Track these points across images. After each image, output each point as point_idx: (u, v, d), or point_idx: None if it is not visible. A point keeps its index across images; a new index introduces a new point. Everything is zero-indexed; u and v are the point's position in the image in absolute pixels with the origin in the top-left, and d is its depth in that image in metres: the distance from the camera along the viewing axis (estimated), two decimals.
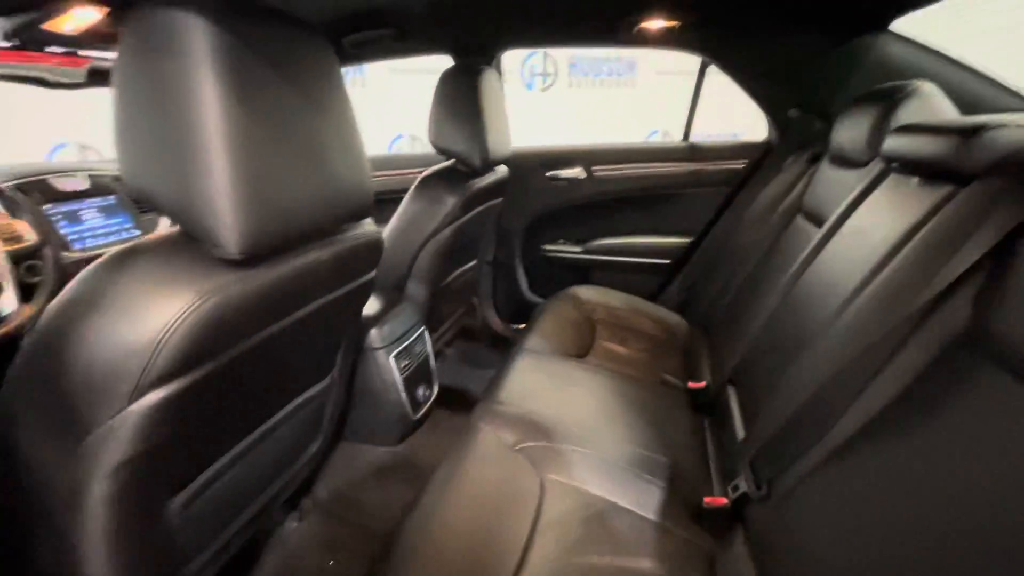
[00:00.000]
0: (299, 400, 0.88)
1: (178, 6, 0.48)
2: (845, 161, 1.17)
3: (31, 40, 1.03)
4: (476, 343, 2.02)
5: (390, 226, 1.33)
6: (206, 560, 0.78)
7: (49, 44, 1.07)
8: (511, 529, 0.80)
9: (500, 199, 1.56)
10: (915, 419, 0.57)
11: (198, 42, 0.48)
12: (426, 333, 1.36)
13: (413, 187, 1.31)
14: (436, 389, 1.40)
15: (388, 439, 1.29)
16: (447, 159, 1.36)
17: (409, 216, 1.29)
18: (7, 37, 1.02)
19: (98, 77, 1.25)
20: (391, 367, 1.20)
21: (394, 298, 1.30)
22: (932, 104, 1.03)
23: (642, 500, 0.89)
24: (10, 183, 1.11)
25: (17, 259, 1.03)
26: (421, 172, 1.38)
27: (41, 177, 1.21)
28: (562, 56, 4.67)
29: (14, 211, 1.09)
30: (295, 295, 0.66)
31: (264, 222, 0.54)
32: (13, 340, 0.92)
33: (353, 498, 1.23)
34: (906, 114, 0.99)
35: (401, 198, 1.36)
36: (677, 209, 1.81)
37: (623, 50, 4.80)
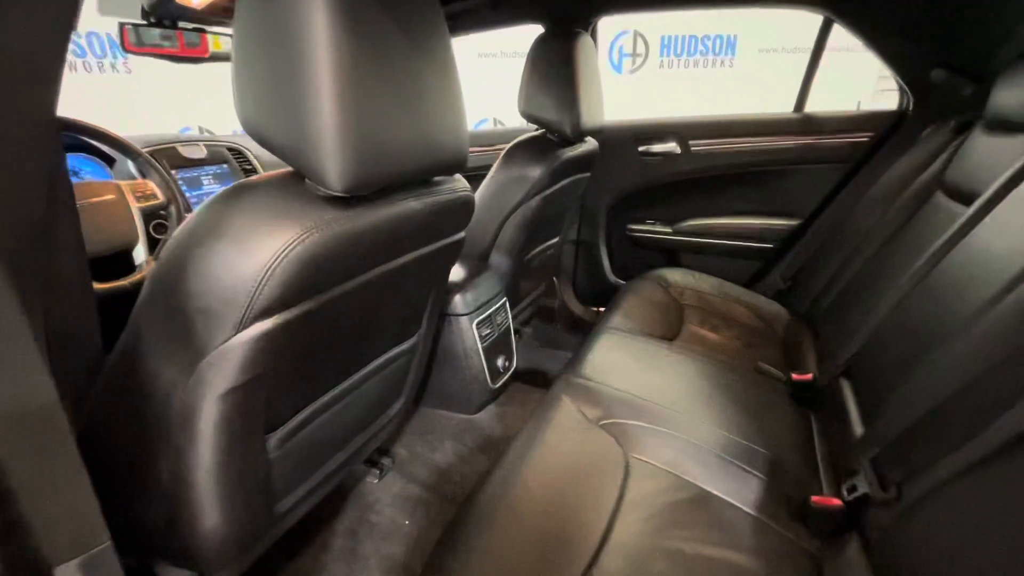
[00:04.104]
0: (386, 357, 0.89)
1: None
2: (1008, 127, 0.99)
3: (166, 15, 1.13)
4: (553, 324, 1.98)
5: (477, 195, 1.32)
6: (297, 500, 0.82)
7: (181, 19, 1.16)
8: (593, 506, 0.76)
9: (587, 173, 1.50)
10: None
11: None
12: (507, 304, 1.34)
13: (501, 156, 1.29)
14: (515, 362, 1.39)
15: (466, 407, 1.30)
16: (536, 129, 1.33)
17: (496, 186, 1.28)
18: (145, 15, 1.13)
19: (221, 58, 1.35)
20: (473, 334, 1.20)
21: (478, 268, 1.30)
22: None
23: (738, 491, 0.81)
24: (145, 148, 1.23)
25: (147, 215, 1.15)
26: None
27: (170, 145, 1.33)
28: (653, 35, 4.45)
29: (145, 173, 1.21)
30: (389, 243, 0.66)
31: (366, 161, 0.54)
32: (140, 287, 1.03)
33: (429, 462, 1.25)
34: None
35: (485, 175, 1.35)
36: (784, 188, 1.64)
37: (721, 27, 4.53)
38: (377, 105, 0.54)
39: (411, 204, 0.66)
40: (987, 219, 0.84)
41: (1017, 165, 0.84)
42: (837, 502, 0.76)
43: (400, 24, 0.57)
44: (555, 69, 1.21)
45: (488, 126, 4.06)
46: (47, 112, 0.39)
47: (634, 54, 4.53)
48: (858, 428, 0.87)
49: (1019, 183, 0.82)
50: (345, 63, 0.50)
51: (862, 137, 1.49)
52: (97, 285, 1.03)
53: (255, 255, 0.50)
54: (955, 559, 0.56)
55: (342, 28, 0.50)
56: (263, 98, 0.54)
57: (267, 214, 0.52)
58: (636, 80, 4.59)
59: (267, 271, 0.50)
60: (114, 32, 1.09)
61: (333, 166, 0.51)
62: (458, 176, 0.77)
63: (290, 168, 0.57)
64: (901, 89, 1.45)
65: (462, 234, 0.85)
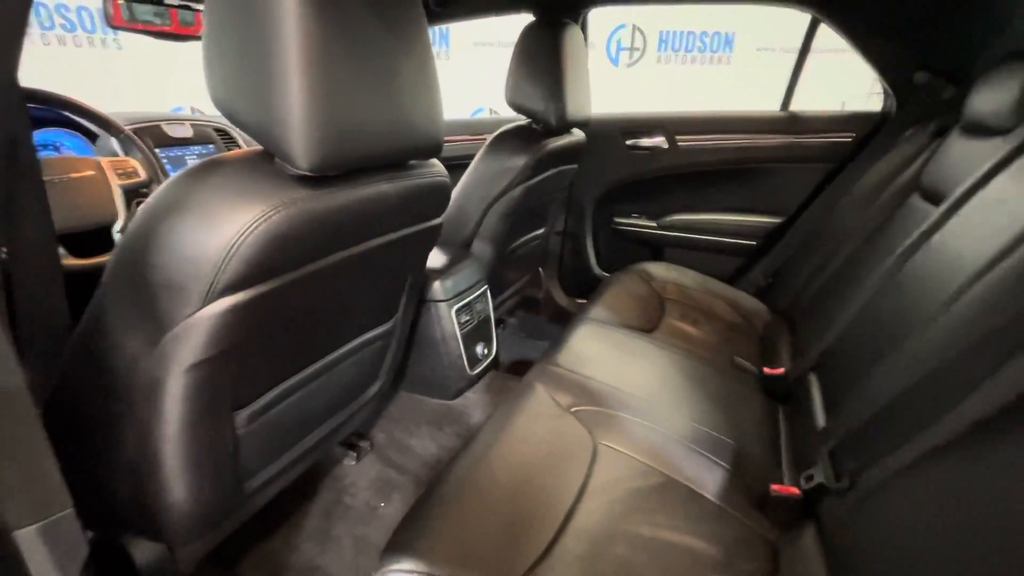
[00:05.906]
0: (361, 339, 0.90)
1: None
2: (982, 130, 1.00)
3: None
4: (538, 314, 1.99)
5: (461, 183, 1.32)
6: (267, 479, 0.83)
7: None
8: (557, 489, 0.77)
9: (574, 165, 1.51)
10: None
11: None
12: (488, 293, 1.35)
13: (485, 145, 1.29)
14: (495, 349, 1.40)
15: (444, 392, 1.31)
16: (523, 118, 1.33)
17: (480, 173, 1.28)
18: None
19: None
20: (451, 320, 1.21)
21: (460, 255, 1.31)
22: None
23: (701, 478, 0.83)
24: (128, 126, 1.22)
25: (129, 193, 1.14)
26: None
27: (155, 123, 1.32)
28: (651, 29, 4.44)
29: (128, 150, 1.20)
30: (359, 225, 0.66)
31: (334, 141, 0.54)
32: None
33: (406, 446, 1.26)
34: None
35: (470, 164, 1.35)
36: (768, 186, 1.65)
37: (720, 24, 4.52)
38: (347, 85, 0.55)
39: (383, 187, 0.66)
40: (953, 219, 0.86)
41: (985, 167, 0.86)
42: (795, 491, 0.78)
43: (374, 5, 0.57)
44: (542, 59, 1.21)
45: (485, 115, 4.04)
46: (6, 76, 0.39)
47: (631, 47, 4.52)
48: (821, 421, 0.89)
49: (986, 185, 0.84)
50: (314, 41, 0.51)
51: (845, 137, 1.51)
52: (76, 261, 1.03)
53: (220, 231, 0.51)
54: (905, 547, 0.57)
55: (312, 5, 0.50)
56: (232, 74, 0.54)
57: (234, 190, 0.53)
58: (633, 74, 4.59)
59: (232, 247, 0.51)
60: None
61: (299, 144, 0.52)
62: (434, 161, 0.78)
63: (260, 146, 0.58)
64: (885, 91, 1.46)
65: (439, 220, 0.85)
